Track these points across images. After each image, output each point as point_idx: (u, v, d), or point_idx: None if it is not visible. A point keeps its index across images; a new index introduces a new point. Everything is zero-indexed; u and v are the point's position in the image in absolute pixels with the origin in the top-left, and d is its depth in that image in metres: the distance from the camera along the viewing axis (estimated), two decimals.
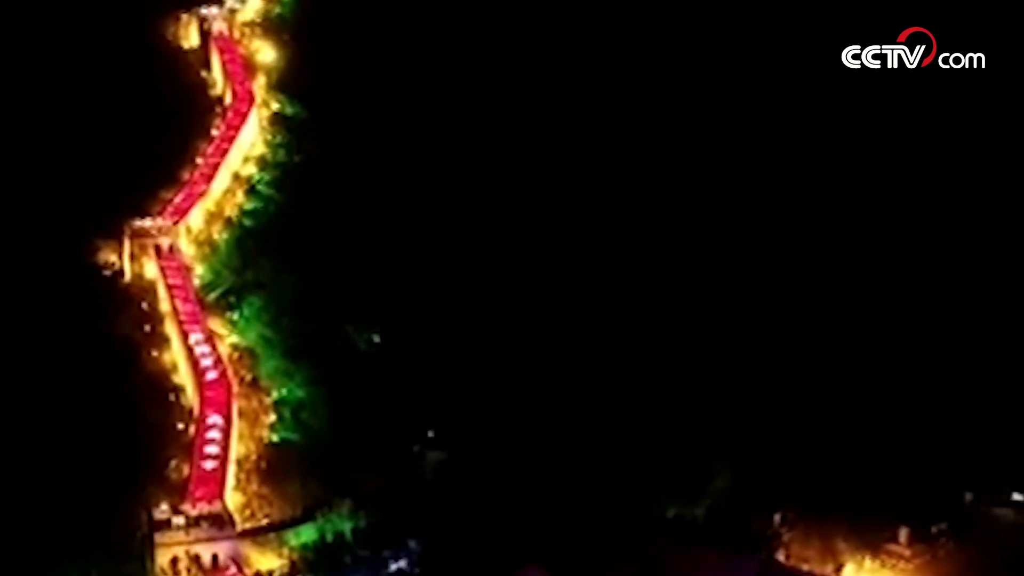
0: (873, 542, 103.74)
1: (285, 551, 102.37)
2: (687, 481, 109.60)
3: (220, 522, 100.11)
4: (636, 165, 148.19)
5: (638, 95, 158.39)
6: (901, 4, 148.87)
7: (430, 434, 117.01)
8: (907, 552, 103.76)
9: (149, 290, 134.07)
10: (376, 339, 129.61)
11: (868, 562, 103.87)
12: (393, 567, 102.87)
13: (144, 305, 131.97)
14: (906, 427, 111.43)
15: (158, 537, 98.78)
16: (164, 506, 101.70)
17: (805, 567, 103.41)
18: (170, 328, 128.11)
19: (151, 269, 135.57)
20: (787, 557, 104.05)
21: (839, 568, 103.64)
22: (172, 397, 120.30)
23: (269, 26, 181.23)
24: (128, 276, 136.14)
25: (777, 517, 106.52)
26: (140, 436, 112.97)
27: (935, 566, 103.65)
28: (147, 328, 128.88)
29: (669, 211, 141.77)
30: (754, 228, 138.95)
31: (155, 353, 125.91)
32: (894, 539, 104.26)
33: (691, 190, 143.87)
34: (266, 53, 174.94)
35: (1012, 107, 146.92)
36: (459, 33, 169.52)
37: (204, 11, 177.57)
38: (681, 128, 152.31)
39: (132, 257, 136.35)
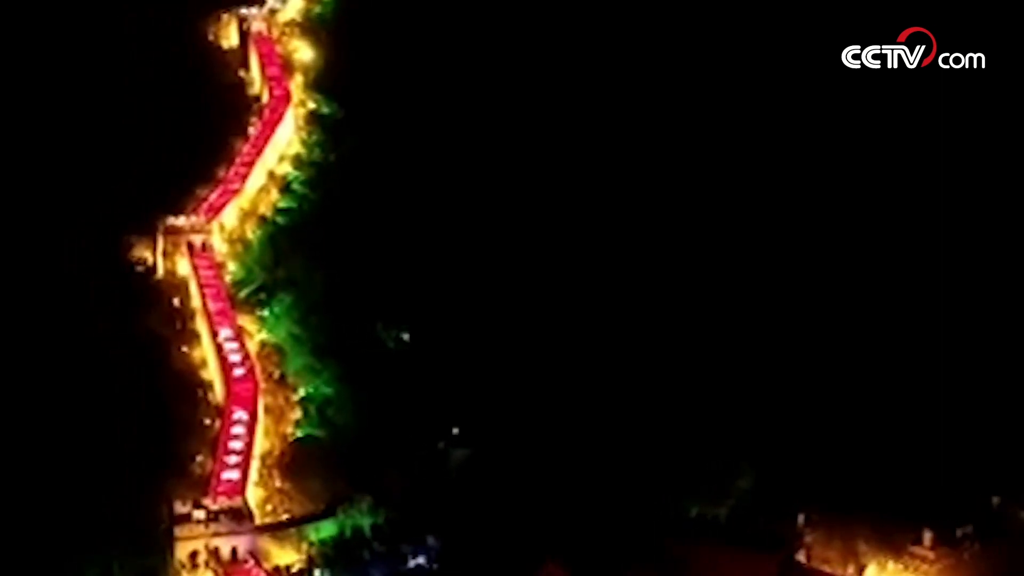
0: (896, 544, 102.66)
1: (304, 546, 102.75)
2: (711, 481, 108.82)
3: (239, 517, 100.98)
4: (643, 167, 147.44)
5: (639, 95, 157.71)
6: (901, 4, 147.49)
7: (455, 431, 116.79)
8: (931, 555, 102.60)
9: (181, 287, 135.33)
10: (405, 337, 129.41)
11: (891, 564, 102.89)
12: (412, 563, 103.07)
13: (175, 302, 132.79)
14: (933, 429, 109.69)
15: (178, 530, 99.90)
16: (186, 500, 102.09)
17: (827, 568, 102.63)
18: (200, 324, 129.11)
19: (184, 266, 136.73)
20: (808, 558, 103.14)
21: (861, 569, 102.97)
22: (200, 393, 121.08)
23: (308, 25, 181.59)
24: (160, 273, 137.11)
25: (801, 518, 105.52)
26: (166, 431, 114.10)
27: (960, 569, 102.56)
28: (178, 324, 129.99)
29: (688, 212, 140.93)
30: (770, 228, 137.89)
31: (185, 349, 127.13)
32: (918, 541, 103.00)
33: (701, 192, 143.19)
34: (304, 52, 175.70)
35: (1012, 107, 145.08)
36: (496, 35, 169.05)
37: (244, 11, 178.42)
38: (682, 129, 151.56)
39: (165, 254, 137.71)
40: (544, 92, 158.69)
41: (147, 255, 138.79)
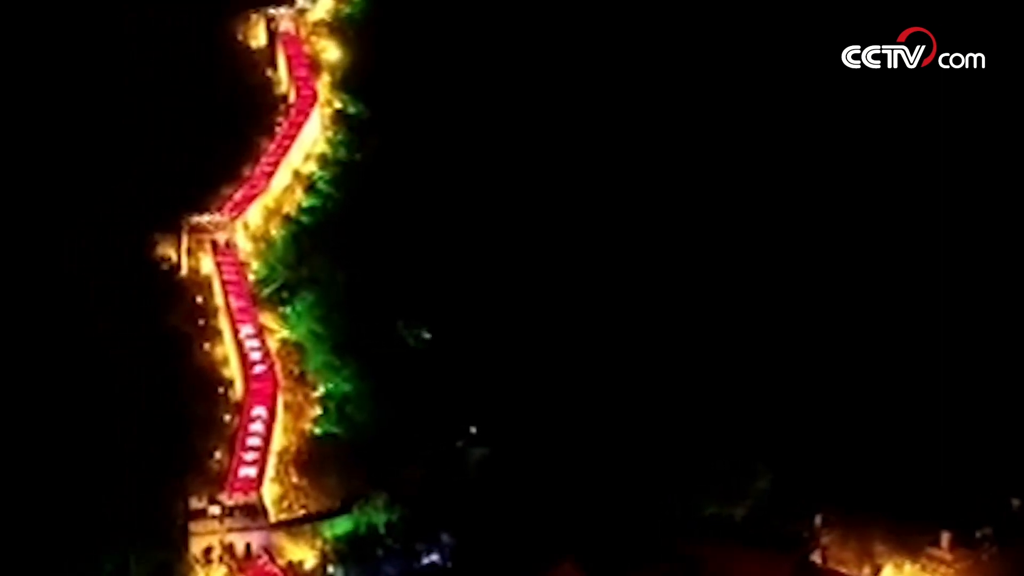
0: (913, 545, 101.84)
1: (318, 543, 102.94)
2: (728, 481, 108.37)
3: (254, 512, 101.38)
4: (654, 169, 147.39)
5: (641, 96, 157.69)
6: (901, 4, 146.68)
7: (472, 430, 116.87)
8: (949, 556, 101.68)
9: (204, 284, 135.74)
10: (426, 336, 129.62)
11: (908, 566, 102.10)
12: (425, 560, 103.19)
13: (198, 299, 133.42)
14: (953, 430, 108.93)
15: (193, 526, 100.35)
16: (202, 496, 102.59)
17: (842, 569, 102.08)
18: (222, 322, 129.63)
19: (207, 264, 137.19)
20: (824, 559, 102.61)
21: (877, 571, 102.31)
22: (221, 390, 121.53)
23: (336, 25, 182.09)
24: (184, 270, 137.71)
25: (818, 519, 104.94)
26: (186, 428, 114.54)
27: (978, 571, 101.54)
28: (200, 322, 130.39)
29: (702, 214, 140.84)
30: (788, 226, 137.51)
31: (207, 347, 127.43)
32: (936, 543, 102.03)
33: (712, 194, 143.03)
34: (331, 52, 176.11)
35: (1012, 107, 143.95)
36: (522, 37, 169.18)
37: (272, 11, 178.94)
38: (686, 130, 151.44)
39: (189, 252, 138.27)
40: (564, 94, 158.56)
41: (171, 253, 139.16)
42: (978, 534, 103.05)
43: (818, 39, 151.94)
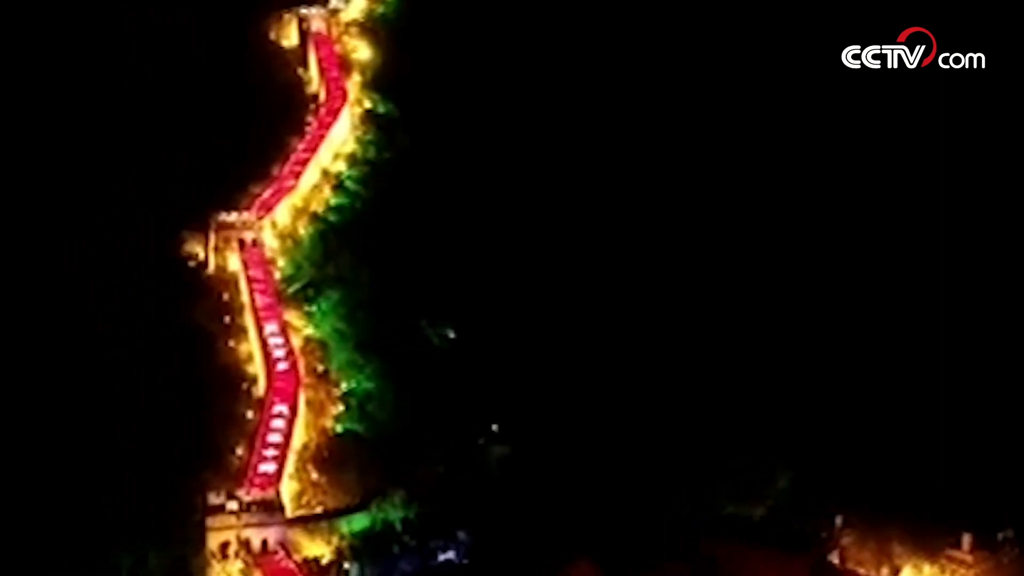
0: (932, 547, 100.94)
1: (335, 539, 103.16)
2: (748, 481, 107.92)
3: (271, 508, 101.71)
4: (669, 172, 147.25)
5: (649, 99, 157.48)
6: (901, 4, 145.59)
7: (494, 428, 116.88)
8: (969, 558, 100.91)
9: (230, 282, 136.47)
10: (450, 334, 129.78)
11: (927, 567, 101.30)
12: (441, 558, 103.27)
13: (225, 296, 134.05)
14: (975, 432, 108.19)
15: (210, 521, 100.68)
16: (221, 491, 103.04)
17: (860, 570, 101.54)
18: (247, 319, 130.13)
19: (234, 262, 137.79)
20: (843, 560, 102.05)
21: (896, 572, 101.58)
22: (244, 387, 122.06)
23: (368, 25, 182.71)
24: (211, 268, 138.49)
25: (838, 519, 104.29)
26: (209, 424, 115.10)
27: (998, 574, 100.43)
28: (226, 319, 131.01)
29: (718, 215, 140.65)
30: (806, 227, 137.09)
31: (232, 344, 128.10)
32: (956, 545, 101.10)
33: (727, 197, 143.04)
34: (362, 52, 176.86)
35: (1012, 107, 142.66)
36: (551, 37, 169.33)
37: (304, 11, 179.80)
38: (690, 131, 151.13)
39: (216, 249, 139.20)
40: (588, 98, 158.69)
41: (199, 250, 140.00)
42: (999, 536, 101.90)
43: (818, 39, 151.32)
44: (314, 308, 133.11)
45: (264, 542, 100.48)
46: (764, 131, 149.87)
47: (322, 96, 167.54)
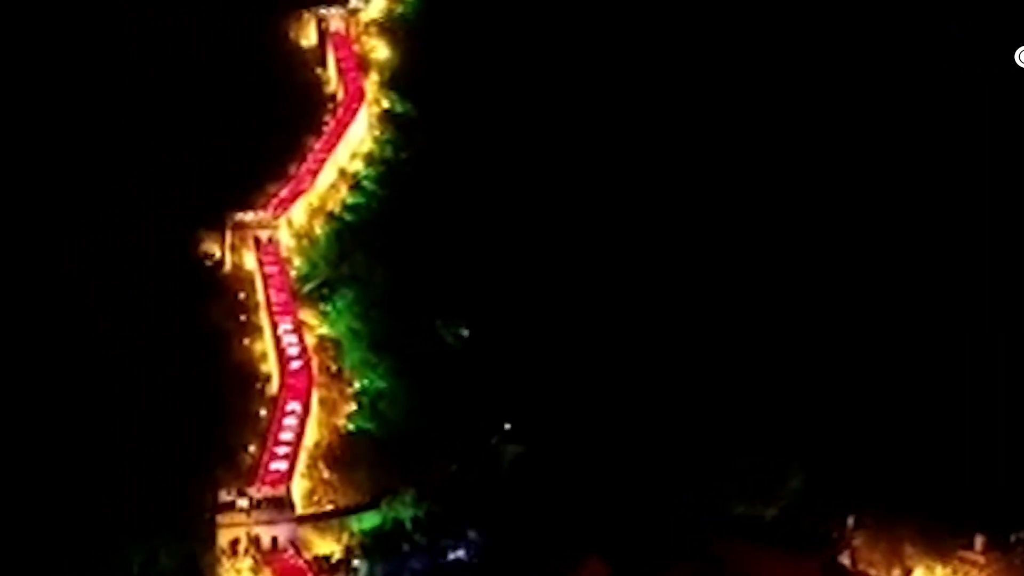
0: (944, 548, 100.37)
1: (345, 536, 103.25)
2: (758, 481, 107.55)
3: (281, 505, 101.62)
4: (689, 176, 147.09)
5: (661, 101, 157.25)
6: None
7: (507, 427, 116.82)
8: (981, 559, 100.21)
9: (246, 281, 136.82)
10: (464, 333, 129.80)
11: (939, 568, 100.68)
12: (451, 556, 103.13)
13: (240, 295, 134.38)
14: (988, 433, 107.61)
15: (220, 518, 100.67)
16: (232, 489, 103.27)
17: (872, 571, 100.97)
18: (262, 318, 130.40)
19: (250, 260, 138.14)
20: (854, 561, 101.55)
21: (908, 573, 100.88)
22: (258, 386, 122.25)
23: (387, 25, 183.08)
24: (228, 267, 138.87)
25: (851, 520, 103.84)
26: (223, 422, 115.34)
27: (1010, 575, 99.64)
28: (241, 318, 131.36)
29: (736, 216, 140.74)
30: (823, 228, 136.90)
31: (247, 342, 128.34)
32: (968, 546, 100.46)
33: (743, 198, 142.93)
34: (381, 51, 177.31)
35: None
36: (568, 37, 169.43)
37: (323, 10, 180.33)
38: (705, 133, 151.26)
39: (232, 248, 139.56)
40: (604, 99, 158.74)
41: (215, 249, 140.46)
42: (1012, 537, 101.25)
43: (817, 39, 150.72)
44: (329, 307, 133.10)
45: (274, 539, 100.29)
46: (773, 137, 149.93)
47: (340, 95, 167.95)
